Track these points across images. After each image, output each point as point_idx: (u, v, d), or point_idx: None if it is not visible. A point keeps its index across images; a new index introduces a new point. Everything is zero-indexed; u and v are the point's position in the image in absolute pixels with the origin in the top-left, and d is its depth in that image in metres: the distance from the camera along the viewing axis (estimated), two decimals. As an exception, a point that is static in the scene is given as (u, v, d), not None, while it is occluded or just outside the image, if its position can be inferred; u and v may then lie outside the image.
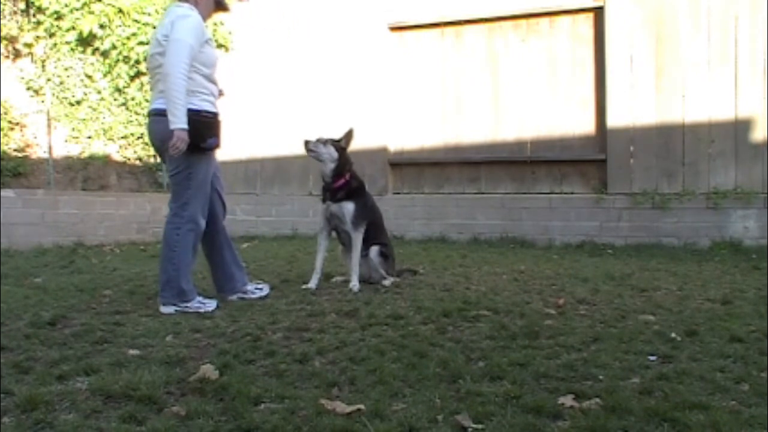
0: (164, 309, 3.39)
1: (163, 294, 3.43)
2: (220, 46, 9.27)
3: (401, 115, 8.52)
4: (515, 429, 1.75)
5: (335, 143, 4.26)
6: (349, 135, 4.32)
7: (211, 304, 3.47)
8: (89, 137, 8.98)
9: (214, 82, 3.54)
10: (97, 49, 8.84)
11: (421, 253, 6.59)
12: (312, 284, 4.21)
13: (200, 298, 3.49)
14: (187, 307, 3.39)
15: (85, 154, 8.90)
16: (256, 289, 3.90)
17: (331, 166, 4.23)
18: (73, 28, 8.66)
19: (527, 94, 8.00)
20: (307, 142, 4.25)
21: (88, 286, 4.20)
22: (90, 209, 7.65)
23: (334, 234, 4.46)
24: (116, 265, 5.45)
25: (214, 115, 3.48)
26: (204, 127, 3.38)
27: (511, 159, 8.01)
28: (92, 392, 2.01)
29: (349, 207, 4.24)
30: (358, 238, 4.29)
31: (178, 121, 3.25)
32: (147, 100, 9.12)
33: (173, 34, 3.30)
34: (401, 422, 1.77)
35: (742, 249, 6.74)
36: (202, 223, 3.53)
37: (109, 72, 8.92)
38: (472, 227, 7.99)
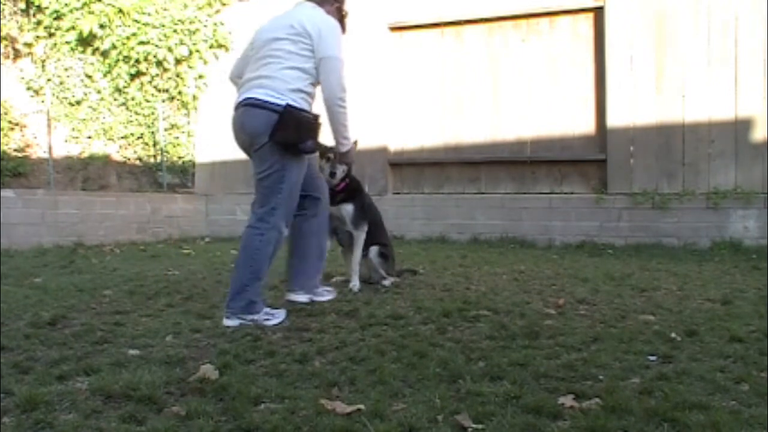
0: (228, 322, 3.07)
1: (231, 305, 3.10)
2: (220, 46, 9.29)
3: (401, 115, 8.52)
4: (515, 429, 1.75)
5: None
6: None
7: (279, 315, 3.18)
8: (89, 137, 8.98)
9: (315, 88, 3.34)
10: (97, 49, 8.85)
11: (421, 253, 6.59)
12: (312, 284, 4.21)
13: (267, 309, 3.18)
14: (253, 320, 3.07)
15: (85, 154, 8.91)
16: (326, 291, 3.68)
17: (341, 177, 4.20)
18: (73, 28, 8.66)
19: (527, 94, 8.00)
20: (332, 174, 3.96)
21: (88, 286, 4.20)
22: (90, 209, 7.65)
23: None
24: (116, 265, 5.45)
25: (316, 117, 3.23)
26: (305, 128, 3.15)
27: (511, 159, 8.01)
28: (92, 392, 2.01)
29: (348, 208, 4.24)
30: (360, 238, 4.28)
31: (347, 142, 3.46)
32: (147, 101, 9.14)
33: (329, 49, 3.18)
34: (401, 422, 1.77)
35: (742, 249, 6.74)
36: (286, 231, 3.32)
37: (109, 72, 8.93)
38: (472, 227, 7.99)
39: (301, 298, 3.57)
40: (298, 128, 3.11)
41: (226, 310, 3.13)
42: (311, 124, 3.19)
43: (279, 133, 3.08)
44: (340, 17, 3.48)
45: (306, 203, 3.52)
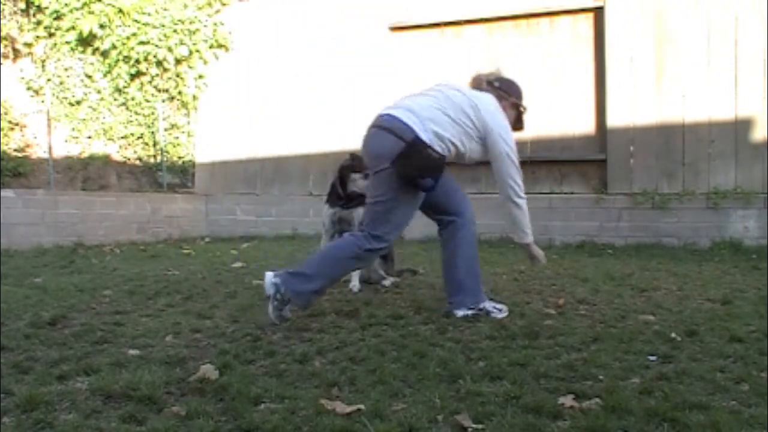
0: (271, 277, 2.98)
1: (288, 275, 2.99)
2: (220, 46, 9.29)
3: (401, 115, 8.50)
4: (515, 429, 1.74)
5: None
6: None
7: (287, 314, 3.08)
8: (89, 137, 8.99)
9: (459, 156, 3.28)
10: (97, 49, 8.85)
11: (421, 253, 6.58)
12: (312, 284, 4.21)
13: (292, 307, 3.08)
14: (282, 294, 2.97)
15: (85, 154, 8.91)
16: (495, 308, 3.38)
17: (357, 192, 4.21)
18: (73, 28, 8.67)
19: (527, 94, 7.95)
20: (350, 191, 4.15)
21: (88, 286, 4.20)
22: (90, 209, 7.65)
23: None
24: (116, 265, 5.45)
25: (442, 158, 3.08)
26: (429, 164, 3.00)
27: (511, 159, 8.00)
28: (92, 392, 2.01)
29: (360, 212, 4.25)
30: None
31: (525, 236, 3.39)
32: (147, 100, 9.14)
33: (505, 145, 3.26)
34: (401, 422, 1.77)
35: (742, 249, 6.73)
36: (376, 259, 3.30)
37: (109, 72, 8.93)
38: (472, 227, 7.98)
39: (462, 312, 3.35)
40: (422, 162, 2.99)
41: (279, 271, 3.03)
42: (436, 163, 3.03)
43: (401, 162, 2.98)
44: (518, 114, 3.54)
45: (447, 223, 3.50)
